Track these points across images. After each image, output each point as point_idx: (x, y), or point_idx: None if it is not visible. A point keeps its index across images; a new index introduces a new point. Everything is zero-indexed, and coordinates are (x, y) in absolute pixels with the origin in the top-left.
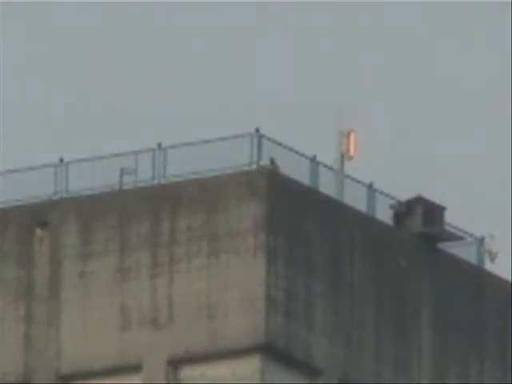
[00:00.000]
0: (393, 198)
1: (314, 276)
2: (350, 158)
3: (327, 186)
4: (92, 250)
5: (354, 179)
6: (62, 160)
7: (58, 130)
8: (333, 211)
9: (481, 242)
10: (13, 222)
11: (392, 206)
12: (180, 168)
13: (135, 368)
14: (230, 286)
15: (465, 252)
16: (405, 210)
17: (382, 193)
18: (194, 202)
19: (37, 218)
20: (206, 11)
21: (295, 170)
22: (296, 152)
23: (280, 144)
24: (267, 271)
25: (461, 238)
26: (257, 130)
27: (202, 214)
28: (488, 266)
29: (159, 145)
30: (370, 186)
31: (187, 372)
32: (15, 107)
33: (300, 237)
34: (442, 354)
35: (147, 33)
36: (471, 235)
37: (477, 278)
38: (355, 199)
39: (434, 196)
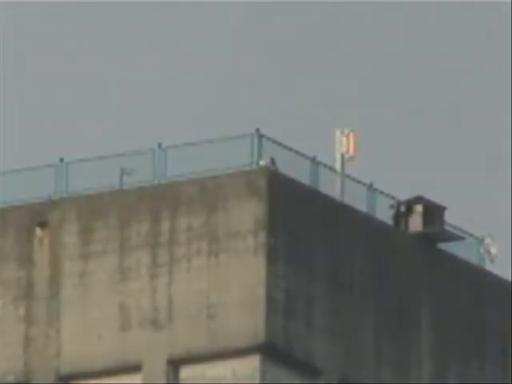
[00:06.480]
0: (393, 197)
1: (314, 276)
2: (350, 157)
3: (327, 185)
4: (92, 250)
5: (354, 179)
6: (62, 160)
7: (58, 130)
8: (333, 211)
9: (481, 242)
10: (13, 222)
11: (392, 206)
12: (180, 168)
13: (135, 368)
14: (230, 286)
15: (465, 252)
16: (405, 210)
17: (382, 193)
18: (194, 202)
19: (37, 218)
20: (206, 11)
21: (295, 170)
22: (296, 152)
23: (280, 144)
24: (267, 271)
25: (461, 238)
26: (257, 130)
27: (202, 213)
28: (488, 265)
29: (159, 145)
30: (370, 186)
31: (187, 372)
32: (15, 107)
33: (300, 237)
34: (442, 353)
35: (147, 32)
36: (471, 235)
37: (477, 278)
38: (355, 199)
39: (434, 196)
